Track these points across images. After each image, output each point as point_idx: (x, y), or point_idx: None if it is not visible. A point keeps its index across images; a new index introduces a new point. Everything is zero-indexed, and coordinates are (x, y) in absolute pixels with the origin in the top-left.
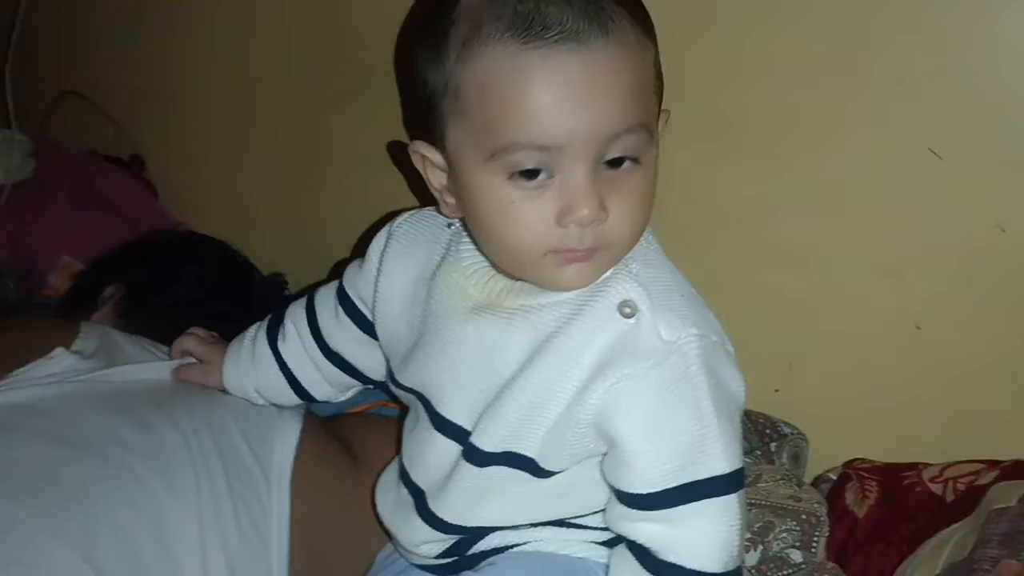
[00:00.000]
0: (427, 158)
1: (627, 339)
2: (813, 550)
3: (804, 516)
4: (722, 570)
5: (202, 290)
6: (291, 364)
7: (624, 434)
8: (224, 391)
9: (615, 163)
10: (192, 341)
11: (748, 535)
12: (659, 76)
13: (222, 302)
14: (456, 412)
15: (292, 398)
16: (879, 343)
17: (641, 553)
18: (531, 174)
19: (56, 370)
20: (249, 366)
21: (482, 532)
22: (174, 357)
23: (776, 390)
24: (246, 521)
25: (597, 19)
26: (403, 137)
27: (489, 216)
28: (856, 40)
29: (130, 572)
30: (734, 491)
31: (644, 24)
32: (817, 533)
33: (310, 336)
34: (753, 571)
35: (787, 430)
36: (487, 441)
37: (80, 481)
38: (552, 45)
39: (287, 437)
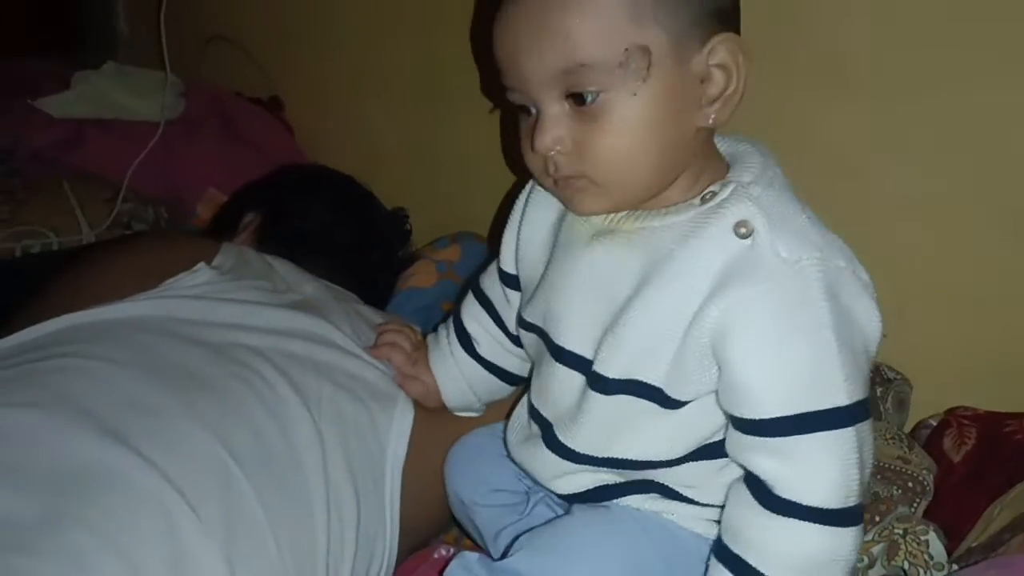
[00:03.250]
0: None
1: (743, 259)
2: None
3: (910, 484)
4: (840, 506)
5: (330, 219)
6: (496, 362)
7: (738, 357)
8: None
9: (579, 98)
10: (400, 357)
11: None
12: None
13: (348, 231)
14: (575, 341)
15: (508, 388)
16: (991, 293)
17: (757, 488)
18: (525, 110)
19: (198, 281)
20: (461, 381)
21: (616, 466)
22: (381, 358)
23: (885, 335)
24: (366, 425)
25: None
26: None
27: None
28: None
29: (258, 458)
30: (852, 424)
31: None
32: (918, 500)
33: (496, 327)
34: None
35: (892, 375)
36: (610, 368)
37: (215, 377)
38: None
39: None
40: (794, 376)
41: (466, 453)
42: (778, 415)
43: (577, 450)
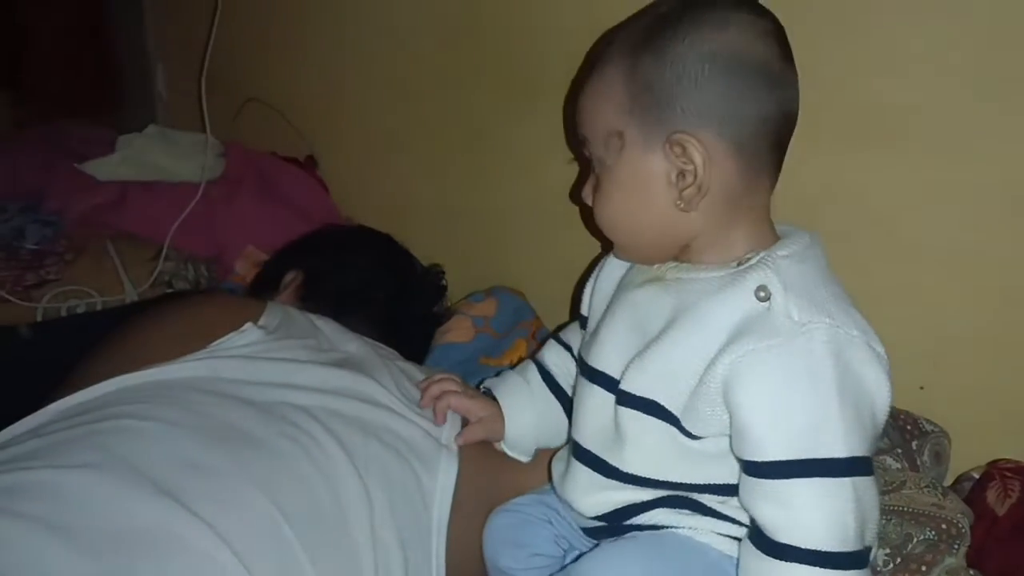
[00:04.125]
0: None
1: (759, 319)
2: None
3: (944, 526)
4: (838, 549)
5: (370, 277)
6: (569, 391)
7: (743, 402)
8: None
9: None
10: (456, 399)
11: (887, 549)
12: (636, 95)
13: (387, 288)
14: (607, 363)
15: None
16: None
17: (759, 536)
18: None
19: (246, 341)
20: (530, 412)
21: (644, 484)
22: (435, 412)
23: (921, 387)
24: (411, 484)
25: (599, 56)
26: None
27: None
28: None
29: (308, 517)
30: (848, 475)
31: (636, 52)
32: (957, 544)
33: (573, 364)
34: None
35: (929, 427)
36: (632, 385)
37: (265, 436)
38: None
39: (456, 419)
40: (794, 423)
41: (504, 520)
42: (778, 459)
43: (611, 463)
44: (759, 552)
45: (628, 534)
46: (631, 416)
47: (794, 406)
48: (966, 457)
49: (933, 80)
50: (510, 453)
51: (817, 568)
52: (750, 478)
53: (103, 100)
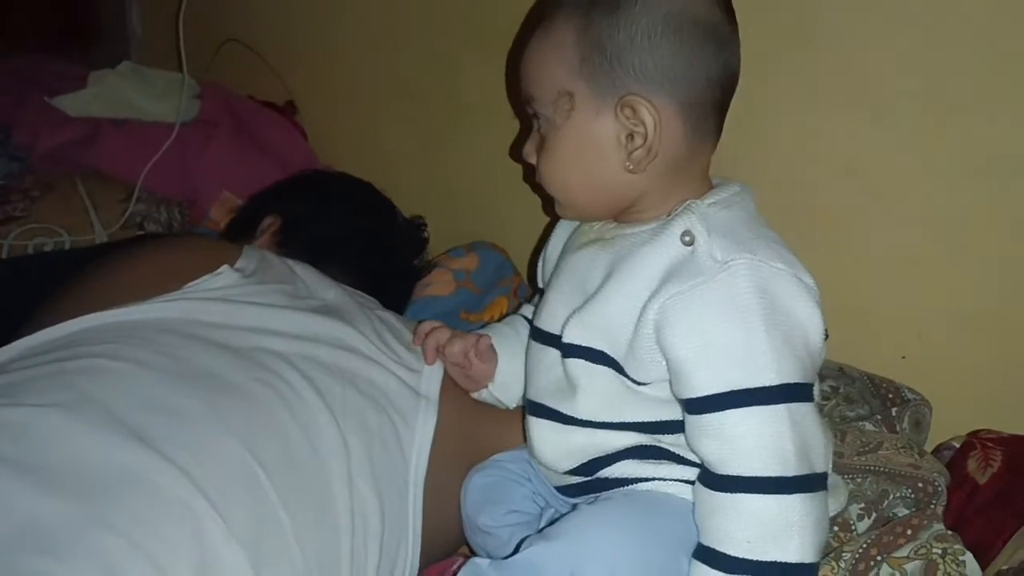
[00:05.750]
0: None
1: (684, 262)
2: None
3: (921, 484)
4: (779, 474)
5: (350, 225)
6: None
7: (673, 343)
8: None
9: (536, 121)
10: (446, 333)
11: (862, 504)
12: (587, 55)
13: (367, 238)
14: (553, 324)
15: None
16: (1012, 315)
17: (705, 474)
18: None
19: (222, 284)
20: (522, 357)
21: (601, 427)
22: (424, 350)
23: (903, 357)
24: (389, 433)
25: (548, 13)
26: None
27: None
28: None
29: (284, 464)
30: (782, 402)
31: (588, 11)
32: (933, 503)
33: None
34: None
35: (910, 396)
36: (573, 336)
37: (241, 381)
38: None
39: (436, 370)
40: (723, 357)
41: (482, 480)
42: (710, 392)
43: (578, 416)
44: (707, 489)
45: (602, 495)
46: (579, 365)
47: (721, 339)
48: (947, 428)
49: (928, 49)
50: (496, 395)
51: (761, 494)
52: (690, 416)
53: (76, 35)
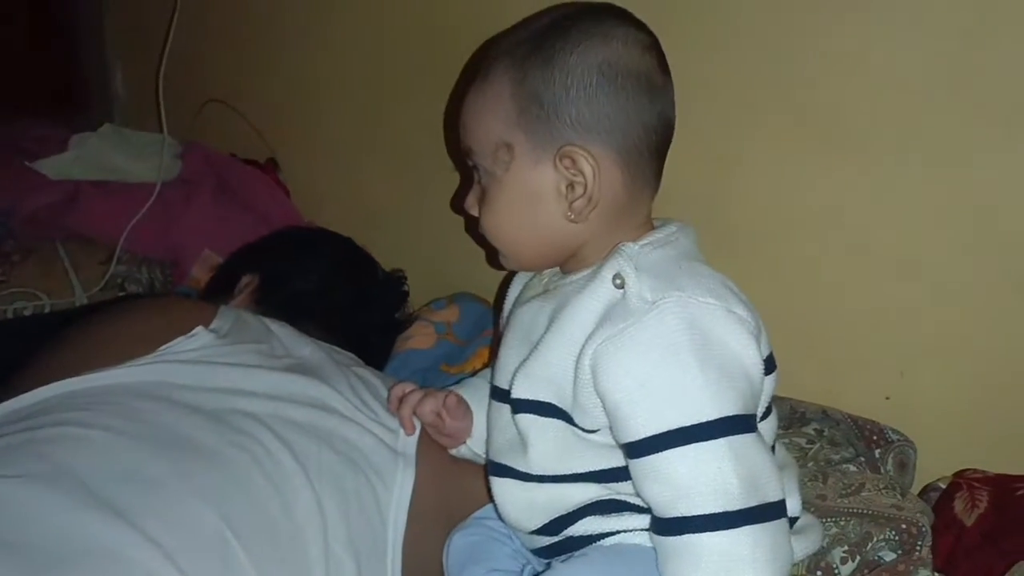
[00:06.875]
0: None
1: (617, 306)
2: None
3: (904, 525)
4: (724, 509)
5: (329, 281)
6: None
7: (608, 387)
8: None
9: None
10: (419, 396)
11: (845, 547)
12: (525, 107)
13: (347, 293)
14: (503, 379)
15: None
16: (995, 353)
17: (655, 522)
18: None
19: (196, 345)
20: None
21: (556, 481)
22: (401, 418)
23: (887, 397)
24: (367, 495)
25: (484, 66)
26: None
27: None
28: (976, 41)
29: (257, 531)
30: (722, 436)
31: (524, 63)
32: (919, 544)
33: None
34: None
35: (894, 437)
36: (521, 391)
37: (214, 445)
38: None
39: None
40: (657, 397)
41: (464, 540)
42: (648, 434)
43: (522, 470)
44: (658, 536)
45: (577, 553)
46: (527, 420)
47: (654, 380)
48: (932, 468)
49: (898, 87)
50: (475, 450)
51: (709, 532)
52: (632, 461)
53: (60, 99)
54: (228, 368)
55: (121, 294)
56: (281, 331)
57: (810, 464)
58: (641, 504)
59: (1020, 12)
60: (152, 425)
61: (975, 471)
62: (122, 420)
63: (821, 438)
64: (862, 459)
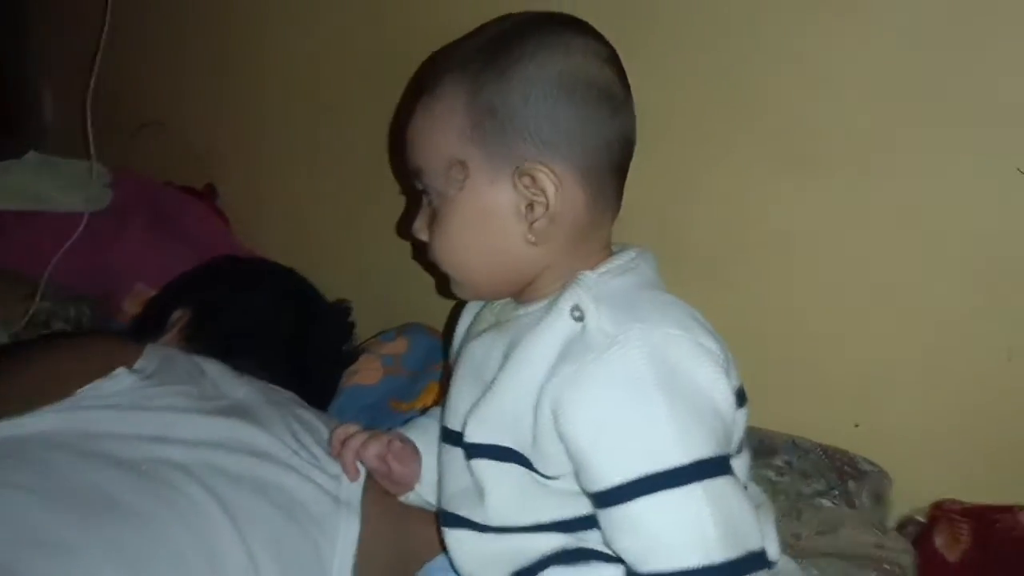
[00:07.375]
0: None
1: (575, 339)
2: None
3: (887, 566)
4: (705, 563)
5: (268, 315)
6: None
7: (569, 431)
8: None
9: (426, 196)
10: (361, 440)
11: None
12: (479, 120)
13: (288, 327)
14: (454, 420)
15: None
16: (968, 375)
17: (628, 574)
18: None
19: (117, 388)
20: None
21: (517, 532)
22: (344, 463)
23: (856, 425)
24: (307, 550)
25: (431, 80)
26: None
27: None
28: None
29: None
30: (696, 480)
31: (477, 75)
32: None
33: None
34: None
35: (867, 467)
36: (475, 435)
37: (136, 503)
38: None
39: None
40: (623, 442)
41: None
42: (616, 483)
43: (491, 524)
44: None
45: None
46: (483, 466)
47: (619, 422)
48: (906, 497)
49: (859, 109)
50: (425, 497)
51: None
52: (601, 511)
53: None
54: (152, 413)
55: (45, 332)
56: (214, 370)
57: (781, 498)
58: (608, 553)
59: (981, 23)
60: (64, 479)
61: (953, 502)
62: (29, 475)
63: (791, 470)
64: (836, 492)
